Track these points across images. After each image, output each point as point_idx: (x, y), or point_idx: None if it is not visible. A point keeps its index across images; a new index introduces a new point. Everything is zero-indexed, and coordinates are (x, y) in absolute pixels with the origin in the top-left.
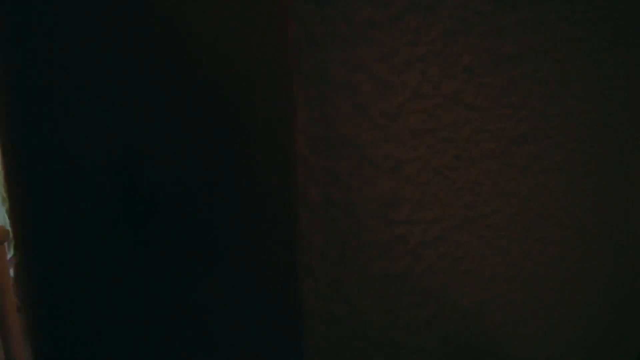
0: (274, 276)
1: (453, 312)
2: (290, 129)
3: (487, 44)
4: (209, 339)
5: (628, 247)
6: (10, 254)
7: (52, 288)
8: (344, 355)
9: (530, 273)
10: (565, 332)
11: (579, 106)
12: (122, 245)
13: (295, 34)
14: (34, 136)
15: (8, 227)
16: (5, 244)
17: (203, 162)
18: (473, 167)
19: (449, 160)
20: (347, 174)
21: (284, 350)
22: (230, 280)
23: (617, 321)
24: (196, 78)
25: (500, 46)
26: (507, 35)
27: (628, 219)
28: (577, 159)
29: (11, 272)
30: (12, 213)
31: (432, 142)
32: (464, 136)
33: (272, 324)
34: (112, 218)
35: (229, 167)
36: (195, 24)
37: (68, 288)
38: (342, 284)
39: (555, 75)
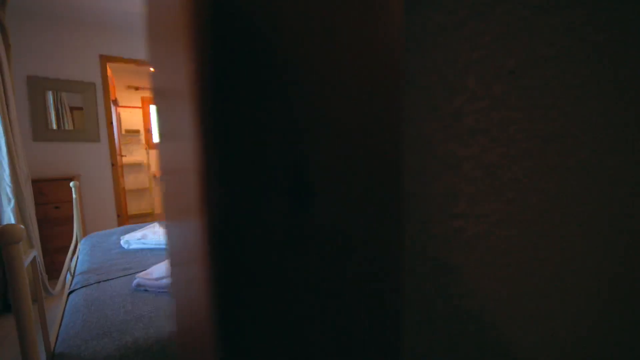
0: (383, 261)
1: (496, 303)
2: (399, 128)
3: (527, 48)
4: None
5: (630, 246)
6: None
7: (241, 257)
8: (415, 340)
9: (554, 268)
10: (576, 329)
11: (595, 107)
12: (293, 221)
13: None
14: (239, 145)
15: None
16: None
17: (345, 162)
18: (514, 165)
19: (496, 158)
20: (420, 170)
21: (385, 329)
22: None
23: (624, 319)
24: (344, 95)
25: (537, 49)
26: (542, 38)
27: (635, 219)
28: (596, 159)
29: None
30: (210, 203)
31: (484, 140)
32: (507, 135)
33: (376, 302)
34: (286, 201)
35: (359, 166)
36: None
37: (254, 256)
38: (415, 273)
39: (579, 77)
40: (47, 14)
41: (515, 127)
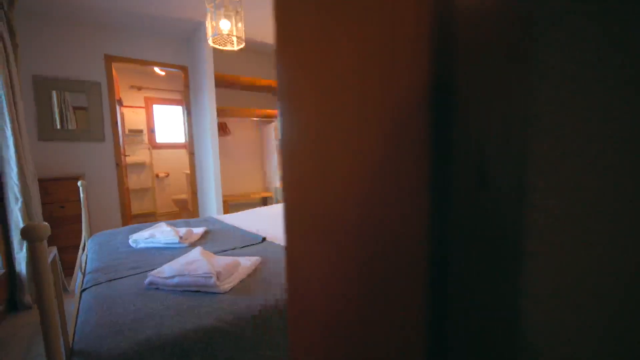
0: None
1: (553, 292)
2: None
3: (580, 54)
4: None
5: None
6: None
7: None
8: (479, 327)
9: (598, 264)
10: (597, 328)
11: (627, 108)
12: (476, 201)
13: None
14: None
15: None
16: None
17: (500, 162)
18: (570, 162)
19: (559, 155)
20: (509, 164)
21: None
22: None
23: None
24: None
25: (586, 54)
26: (590, 44)
27: None
28: (628, 159)
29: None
30: (429, 192)
31: (551, 140)
32: (566, 134)
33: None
34: (474, 189)
35: (504, 165)
36: None
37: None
38: (503, 262)
39: (618, 79)
40: (52, 14)
41: (571, 127)
